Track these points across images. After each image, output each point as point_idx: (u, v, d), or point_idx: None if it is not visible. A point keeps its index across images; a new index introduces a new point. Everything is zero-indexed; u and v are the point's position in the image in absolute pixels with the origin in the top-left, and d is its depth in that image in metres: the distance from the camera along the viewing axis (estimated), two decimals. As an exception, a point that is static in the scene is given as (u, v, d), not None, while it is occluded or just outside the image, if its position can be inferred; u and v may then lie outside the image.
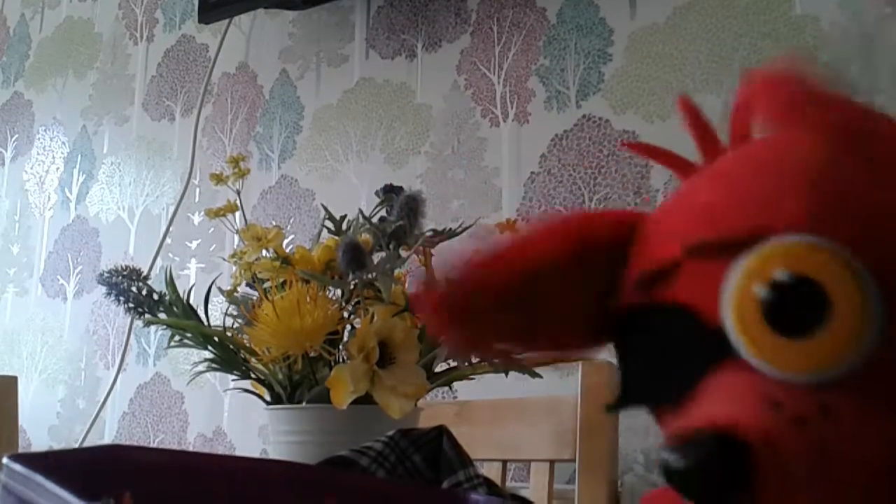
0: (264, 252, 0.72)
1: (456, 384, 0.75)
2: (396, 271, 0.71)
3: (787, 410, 0.27)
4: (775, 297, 0.28)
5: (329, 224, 0.76)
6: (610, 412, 0.35)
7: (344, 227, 0.75)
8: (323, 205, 0.87)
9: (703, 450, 0.27)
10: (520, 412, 1.08)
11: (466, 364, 0.68)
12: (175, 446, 1.83)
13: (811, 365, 0.27)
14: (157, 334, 1.94)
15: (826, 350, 0.27)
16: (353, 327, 0.68)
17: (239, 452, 1.74)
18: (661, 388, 0.32)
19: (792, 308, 0.28)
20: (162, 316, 0.74)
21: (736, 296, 0.29)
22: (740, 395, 0.28)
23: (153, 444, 1.85)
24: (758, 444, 0.26)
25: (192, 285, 0.81)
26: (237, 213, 0.79)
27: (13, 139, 2.37)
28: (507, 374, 0.69)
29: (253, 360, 0.70)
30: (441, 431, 0.52)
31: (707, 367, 0.29)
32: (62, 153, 2.24)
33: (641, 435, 1.35)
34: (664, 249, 0.32)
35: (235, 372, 0.72)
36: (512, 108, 1.60)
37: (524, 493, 0.92)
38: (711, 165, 0.35)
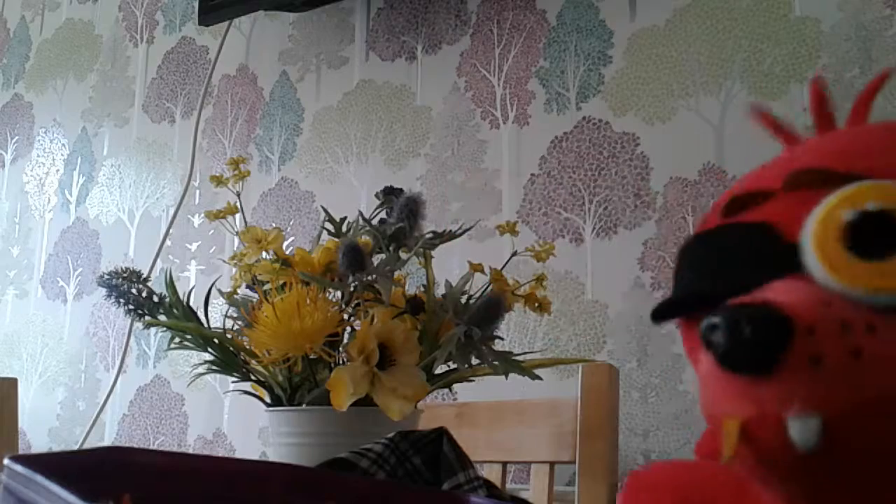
0: (264, 254, 0.72)
1: (456, 386, 0.75)
2: (396, 273, 0.71)
3: (835, 312, 0.29)
4: (858, 219, 0.30)
5: (329, 226, 0.76)
6: (656, 321, 0.37)
7: (344, 229, 0.75)
8: (323, 207, 0.88)
9: (747, 312, 0.29)
10: (520, 414, 1.08)
11: (466, 366, 0.68)
12: (175, 448, 1.83)
13: (872, 285, 0.29)
14: (157, 336, 1.94)
15: (890, 275, 0.29)
16: (353, 329, 0.68)
17: (239, 454, 1.74)
18: (724, 289, 0.32)
19: (870, 234, 0.29)
20: (162, 318, 0.74)
21: (821, 216, 0.31)
22: (796, 291, 0.30)
23: (153, 446, 1.85)
24: (799, 322, 0.28)
25: (192, 287, 0.82)
26: (237, 216, 0.79)
27: (13, 141, 2.37)
28: (507, 377, 0.69)
29: (253, 362, 0.70)
30: (441, 433, 0.52)
31: (775, 275, 0.31)
32: (62, 155, 2.24)
33: (641, 437, 1.35)
34: (761, 181, 0.35)
35: (235, 374, 0.72)
36: (512, 110, 1.60)
37: (524, 494, 0.92)
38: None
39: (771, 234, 0.33)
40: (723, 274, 0.34)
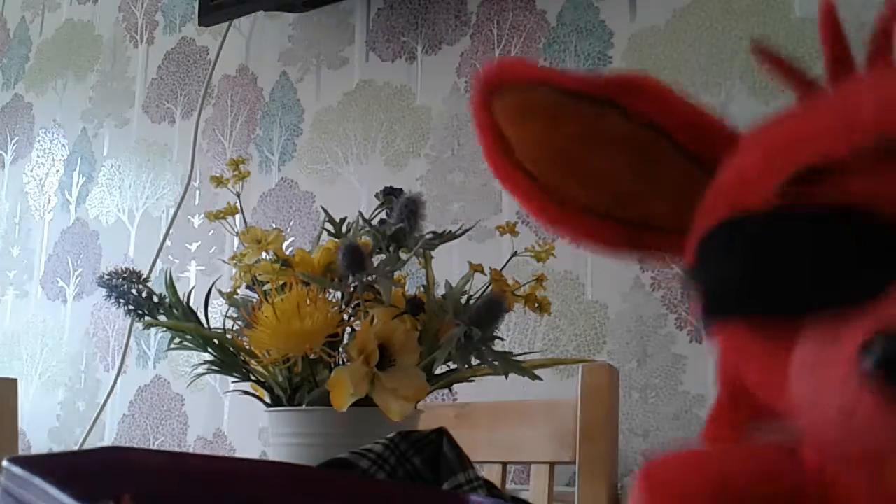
0: (264, 254, 0.72)
1: (456, 386, 0.75)
2: (396, 274, 0.71)
3: None
4: None
5: (329, 226, 0.76)
6: (703, 327, 0.31)
7: (344, 229, 0.75)
8: (323, 207, 0.88)
9: None
10: (520, 414, 1.08)
11: (466, 366, 0.68)
12: (175, 449, 1.83)
13: None
14: (157, 337, 1.94)
15: None
16: (353, 330, 0.68)
17: (239, 454, 1.74)
18: (828, 293, 0.27)
19: None
20: (162, 318, 0.74)
21: None
22: None
23: (153, 447, 1.85)
24: None
25: (192, 288, 0.81)
26: (237, 216, 0.79)
27: (13, 142, 2.37)
28: (507, 377, 0.69)
29: (253, 362, 0.70)
30: (441, 434, 0.52)
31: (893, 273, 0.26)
32: (62, 156, 2.24)
33: (641, 437, 1.35)
34: (828, 145, 0.28)
35: (235, 374, 0.72)
36: (512, 110, 1.60)
37: (524, 495, 0.92)
38: (869, 78, 0.32)
39: (877, 220, 0.27)
40: (820, 273, 0.28)
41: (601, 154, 0.34)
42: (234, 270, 0.73)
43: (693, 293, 0.32)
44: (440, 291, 0.72)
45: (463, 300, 0.71)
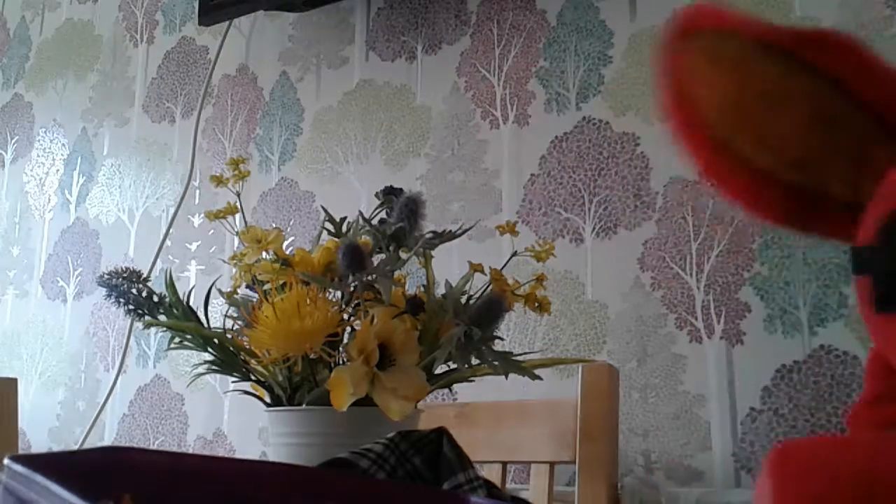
0: (264, 254, 0.72)
1: (456, 386, 0.75)
2: (396, 273, 0.71)
3: None
4: None
5: (329, 226, 0.76)
6: (873, 311, 0.28)
7: (344, 229, 0.75)
8: (323, 207, 0.88)
9: None
10: (520, 414, 1.08)
11: (466, 366, 0.68)
12: (175, 448, 1.83)
13: None
14: (157, 336, 1.94)
15: None
16: (353, 329, 0.68)
17: (239, 454, 1.74)
18: None
19: None
20: (162, 318, 0.74)
21: None
22: None
23: (153, 446, 1.85)
24: None
25: (192, 287, 0.81)
26: (237, 215, 0.79)
27: (13, 141, 2.37)
28: (507, 377, 0.69)
29: (253, 361, 0.70)
30: (441, 433, 0.52)
31: None
32: (62, 155, 2.24)
33: (641, 437, 1.35)
34: None
35: (235, 374, 0.72)
36: (512, 110, 1.60)
37: (524, 494, 0.92)
38: None
39: None
40: None
41: (785, 113, 0.32)
42: (234, 270, 0.73)
43: (865, 276, 0.29)
44: (440, 291, 0.72)
45: (463, 300, 0.71)
